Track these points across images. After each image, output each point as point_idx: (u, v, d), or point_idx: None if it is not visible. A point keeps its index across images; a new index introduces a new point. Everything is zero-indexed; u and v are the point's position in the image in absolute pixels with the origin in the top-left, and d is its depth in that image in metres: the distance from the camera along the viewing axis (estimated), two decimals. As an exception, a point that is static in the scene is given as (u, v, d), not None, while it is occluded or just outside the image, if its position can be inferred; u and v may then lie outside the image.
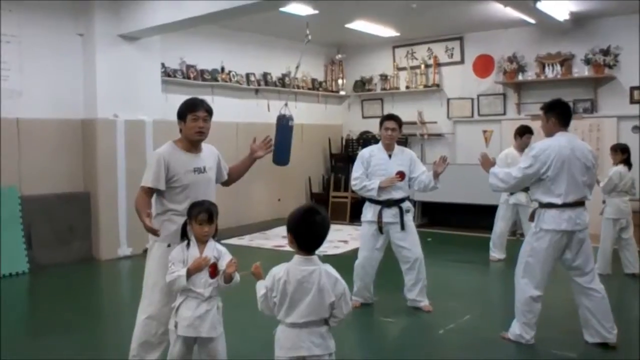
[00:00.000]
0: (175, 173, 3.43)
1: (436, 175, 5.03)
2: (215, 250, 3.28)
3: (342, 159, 11.03)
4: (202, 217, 3.23)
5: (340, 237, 8.81)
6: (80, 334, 4.69)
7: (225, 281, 3.22)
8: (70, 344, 4.45)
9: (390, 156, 5.18)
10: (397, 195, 5.11)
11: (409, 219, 5.14)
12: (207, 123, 3.52)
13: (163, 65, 8.24)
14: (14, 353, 4.17)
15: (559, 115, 4.26)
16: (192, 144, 3.53)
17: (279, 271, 2.66)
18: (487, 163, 4.52)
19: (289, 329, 2.64)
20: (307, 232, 2.66)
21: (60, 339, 4.55)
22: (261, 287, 2.70)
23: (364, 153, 5.26)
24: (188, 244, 3.28)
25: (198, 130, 3.46)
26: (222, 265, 3.25)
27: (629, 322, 4.84)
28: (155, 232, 3.30)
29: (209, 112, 3.53)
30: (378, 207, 5.11)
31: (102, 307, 5.75)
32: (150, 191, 3.45)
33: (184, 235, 3.33)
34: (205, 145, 3.66)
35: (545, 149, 4.15)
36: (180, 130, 3.54)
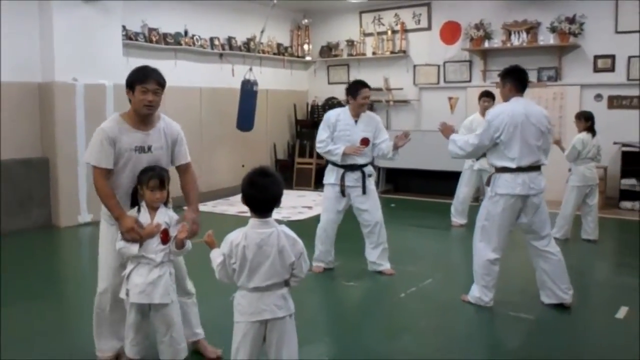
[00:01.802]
0: (119, 151, 3.20)
1: (395, 147, 5.06)
2: (167, 216, 3.22)
3: (307, 125, 10.97)
4: (153, 183, 3.15)
5: (304, 203, 8.82)
6: (42, 301, 4.62)
7: (177, 247, 3.17)
8: (32, 311, 4.38)
9: (356, 122, 5.16)
10: (360, 160, 5.13)
11: (370, 183, 5.18)
12: (157, 96, 3.22)
13: (124, 28, 8.01)
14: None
15: (514, 80, 4.30)
16: (140, 119, 3.24)
17: (236, 237, 2.62)
18: (447, 130, 4.57)
19: (250, 294, 2.63)
20: (258, 194, 2.64)
21: (21, 306, 4.48)
22: (217, 255, 2.66)
23: (330, 116, 5.22)
24: (139, 210, 3.21)
25: (147, 103, 3.18)
26: (174, 231, 3.20)
27: (584, 284, 4.97)
28: (136, 234, 3.10)
29: (161, 84, 3.24)
30: (341, 171, 5.13)
31: (63, 274, 5.67)
32: (105, 172, 3.19)
33: (134, 201, 3.26)
34: (164, 121, 3.36)
35: (499, 114, 4.19)
36: (130, 100, 3.26)
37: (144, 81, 3.19)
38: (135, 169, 3.23)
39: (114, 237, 3.21)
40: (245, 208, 2.70)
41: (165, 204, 3.28)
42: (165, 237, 3.16)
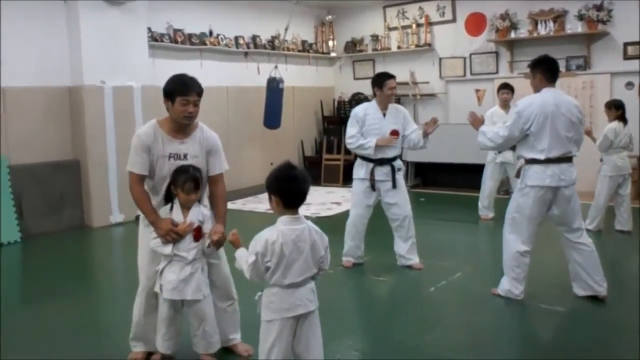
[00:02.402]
0: (154, 158, 3.23)
1: (425, 134, 5.05)
2: (200, 214, 3.26)
3: (334, 121, 10.96)
4: (188, 186, 3.19)
5: (333, 199, 8.83)
6: (75, 301, 4.70)
7: (208, 245, 3.21)
8: (65, 311, 4.46)
9: (384, 115, 5.15)
10: (390, 153, 5.13)
11: (400, 177, 5.17)
12: (197, 107, 3.23)
13: (150, 29, 8.11)
14: (9, 321, 4.18)
15: (545, 71, 4.23)
16: (178, 127, 3.26)
17: (270, 235, 2.61)
18: (477, 122, 4.53)
19: (284, 290, 2.63)
20: (291, 188, 2.64)
21: (55, 306, 4.56)
22: (248, 255, 2.63)
23: (358, 111, 5.21)
24: (171, 208, 3.25)
25: (187, 115, 3.20)
26: (207, 228, 3.24)
27: (619, 276, 4.88)
28: (178, 236, 3.16)
29: (200, 94, 3.24)
30: (370, 165, 5.12)
31: (96, 274, 5.77)
32: (140, 178, 3.24)
33: (167, 198, 3.30)
34: (201, 131, 3.35)
35: (528, 105, 4.14)
36: (167, 109, 3.26)
37: (185, 93, 3.18)
38: (168, 179, 3.27)
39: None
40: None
41: (199, 200, 3.31)
42: (197, 235, 3.20)
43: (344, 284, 5.03)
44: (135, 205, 3.30)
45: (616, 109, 6.27)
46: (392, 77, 5.16)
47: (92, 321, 4.30)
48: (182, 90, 3.19)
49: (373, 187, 5.14)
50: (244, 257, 2.65)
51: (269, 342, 2.65)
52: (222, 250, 3.45)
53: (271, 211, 2.77)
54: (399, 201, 5.14)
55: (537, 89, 4.25)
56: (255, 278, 2.65)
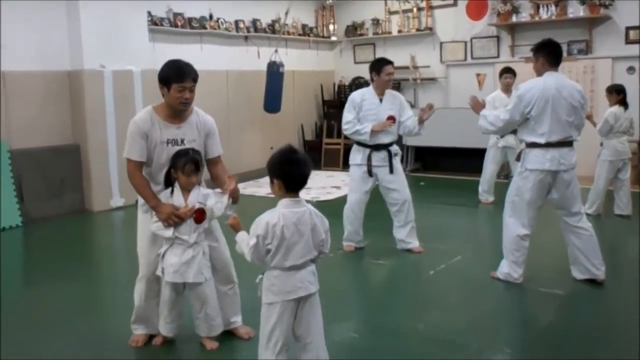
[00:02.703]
0: (151, 144, 3.24)
1: (421, 121, 5.06)
2: (201, 196, 3.27)
3: (334, 106, 10.94)
4: (188, 168, 3.19)
5: (333, 183, 8.85)
6: (77, 284, 4.72)
7: (233, 201, 3.25)
8: (66, 293, 4.48)
9: (381, 100, 5.15)
10: (386, 139, 5.12)
11: (397, 161, 5.18)
12: (193, 93, 3.24)
13: (149, 13, 8.07)
14: (10, 304, 4.21)
15: (547, 54, 4.22)
16: (173, 113, 3.27)
17: (271, 217, 2.62)
18: (478, 105, 4.52)
19: (285, 273, 2.64)
20: (293, 172, 2.65)
21: (56, 289, 4.59)
22: (249, 238, 2.64)
23: (354, 97, 5.21)
24: (172, 192, 3.26)
25: (183, 101, 3.20)
26: (211, 203, 3.24)
27: (617, 260, 4.92)
28: (180, 220, 3.17)
29: (196, 79, 3.24)
30: (367, 151, 5.13)
31: (97, 257, 5.80)
32: (139, 164, 3.25)
33: (167, 182, 3.31)
34: (197, 115, 3.37)
35: (530, 88, 4.13)
36: (163, 95, 3.26)
37: (181, 80, 3.18)
38: (166, 164, 3.28)
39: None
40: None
41: (199, 183, 3.32)
42: (199, 217, 3.21)
43: (344, 268, 5.06)
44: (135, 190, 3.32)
45: (617, 94, 6.27)
46: (390, 62, 5.16)
47: (93, 304, 4.34)
48: (177, 76, 3.18)
49: (370, 172, 5.14)
50: (245, 240, 2.67)
51: (270, 324, 2.67)
52: (221, 234, 3.47)
53: (272, 195, 2.78)
54: (398, 186, 5.15)
55: (539, 73, 4.23)
56: (256, 261, 2.66)
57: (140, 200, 3.36)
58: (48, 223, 6.74)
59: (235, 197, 3.30)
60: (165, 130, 3.26)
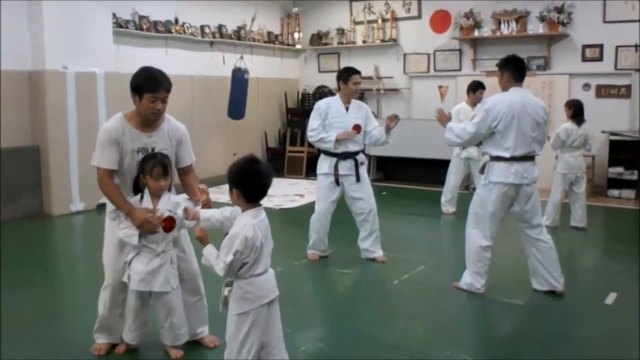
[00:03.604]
0: (122, 152, 3.17)
1: (388, 130, 5.11)
2: (170, 204, 3.22)
3: (298, 114, 10.98)
4: (156, 171, 3.14)
5: (296, 191, 8.86)
6: (36, 290, 4.61)
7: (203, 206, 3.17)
8: (25, 299, 4.38)
9: (347, 109, 5.19)
10: (353, 148, 5.16)
11: (363, 170, 5.22)
12: (165, 103, 3.16)
13: (114, 15, 7.96)
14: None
15: (513, 70, 4.32)
16: (145, 122, 3.20)
17: (247, 231, 2.57)
18: (444, 118, 4.59)
19: (258, 278, 2.64)
20: (255, 183, 2.65)
21: (14, 295, 4.46)
22: (225, 254, 2.56)
23: (321, 105, 5.24)
24: (142, 198, 3.22)
25: (155, 112, 3.14)
26: (181, 212, 3.20)
27: (574, 271, 5.05)
28: (153, 226, 3.11)
29: (170, 87, 3.16)
30: (334, 160, 5.15)
31: (56, 263, 5.66)
32: (109, 172, 3.18)
33: (136, 189, 3.26)
34: (168, 123, 3.30)
35: (497, 103, 4.22)
36: (134, 102, 3.19)
37: (154, 90, 3.11)
38: (134, 173, 3.23)
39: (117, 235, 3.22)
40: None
41: (169, 189, 3.29)
42: (168, 225, 3.17)
43: (308, 277, 5.07)
44: (104, 196, 3.24)
45: (568, 108, 6.43)
46: (357, 72, 5.21)
47: (53, 311, 4.24)
48: (150, 86, 3.11)
49: (337, 181, 5.16)
50: (214, 255, 2.61)
51: (242, 332, 2.64)
52: (189, 244, 3.44)
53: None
54: (364, 195, 5.19)
55: (504, 88, 4.33)
56: (230, 275, 2.63)
57: (109, 207, 3.29)
58: (5, 227, 6.54)
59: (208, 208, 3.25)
60: (136, 138, 3.20)
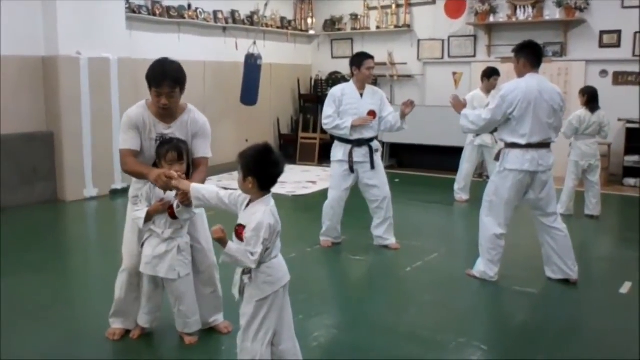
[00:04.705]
0: (142, 138, 3.22)
1: (403, 116, 5.06)
2: None
3: (311, 100, 10.93)
4: (171, 156, 3.13)
5: (308, 178, 8.84)
6: (51, 275, 4.65)
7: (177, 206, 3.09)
8: (40, 284, 4.41)
9: (361, 95, 5.15)
10: (367, 134, 5.12)
11: (378, 158, 5.18)
12: (172, 97, 3.13)
13: (127, 0, 7.94)
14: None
15: (529, 56, 4.26)
16: (158, 113, 3.23)
17: (268, 219, 2.57)
18: (459, 105, 4.55)
19: (275, 261, 2.66)
20: (272, 172, 2.65)
21: (29, 279, 4.50)
22: (252, 246, 2.53)
23: (335, 91, 5.20)
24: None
25: (161, 106, 3.14)
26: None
27: (588, 260, 5.01)
28: (167, 181, 2.99)
29: (177, 82, 3.12)
30: (348, 147, 5.11)
31: (70, 248, 5.70)
32: (131, 153, 3.19)
33: None
34: (189, 114, 3.30)
35: (513, 89, 4.17)
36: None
37: (157, 85, 3.11)
38: (151, 160, 3.25)
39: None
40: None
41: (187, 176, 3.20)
42: (173, 212, 3.16)
43: (321, 263, 5.07)
44: (119, 181, 3.26)
45: (582, 95, 6.35)
46: (370, 57, 5.16)
47: (67, 295, 4.27)
48: (154, 81, 3.12)
49: (352, 169, 5.14)
50: (242, 251, 2.55)
51: (260, 317, 2.64)
52: (208, 240, 3.42)
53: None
54: (378, 182, 5.16)
55: (520, 74, 4.28)
56: (257, 265, 2.61)
57: (131, 192, 3.33)
58: (19, 212, 6.59)
59: (184, 200, 3.05)
60: (156, 127, 3.23)
